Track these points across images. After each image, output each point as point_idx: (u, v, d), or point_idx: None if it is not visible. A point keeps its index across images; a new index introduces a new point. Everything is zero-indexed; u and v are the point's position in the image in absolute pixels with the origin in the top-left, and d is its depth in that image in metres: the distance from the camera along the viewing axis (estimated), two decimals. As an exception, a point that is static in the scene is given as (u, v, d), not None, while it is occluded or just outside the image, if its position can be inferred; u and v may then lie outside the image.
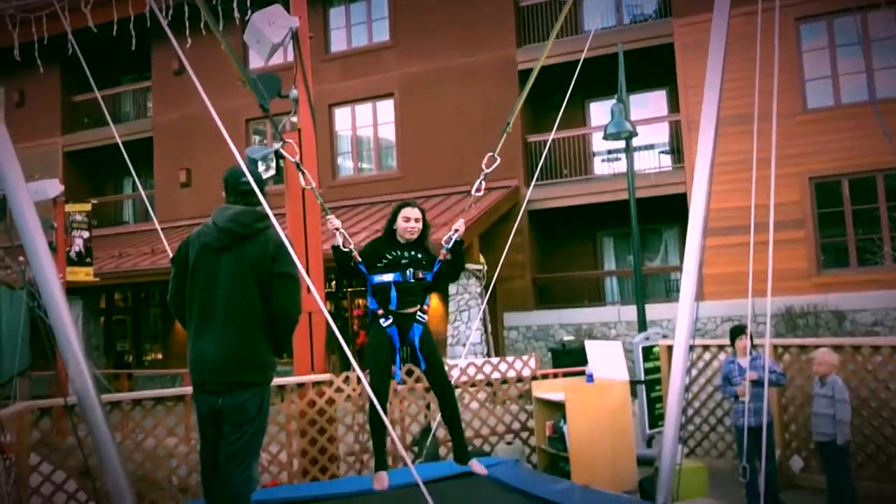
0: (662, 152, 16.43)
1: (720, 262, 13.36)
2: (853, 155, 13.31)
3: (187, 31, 8.60)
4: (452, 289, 14.56)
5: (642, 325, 10.52)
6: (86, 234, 11.95)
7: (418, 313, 4.29)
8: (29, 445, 5.45)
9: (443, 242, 4.41)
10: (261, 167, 6.20)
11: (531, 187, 11.35)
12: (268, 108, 6.47)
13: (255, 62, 17.63)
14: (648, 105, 16.62)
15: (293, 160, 4.36)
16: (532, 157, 16.28)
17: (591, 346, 7.69)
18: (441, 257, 4.38)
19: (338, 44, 18.35)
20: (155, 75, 19.88)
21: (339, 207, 17.24)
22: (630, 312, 13.64)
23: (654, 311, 13.43)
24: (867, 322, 13.09)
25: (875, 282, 12.94)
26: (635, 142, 12.10)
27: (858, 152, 13.16)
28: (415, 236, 4.30)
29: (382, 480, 4.06)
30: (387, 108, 17.71)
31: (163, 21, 3.51)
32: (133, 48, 11.18)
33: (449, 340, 14.16)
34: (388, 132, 17.85)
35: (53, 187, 10.85)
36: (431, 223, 15.64)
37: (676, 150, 15.73)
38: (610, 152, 16.61)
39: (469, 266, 14.33)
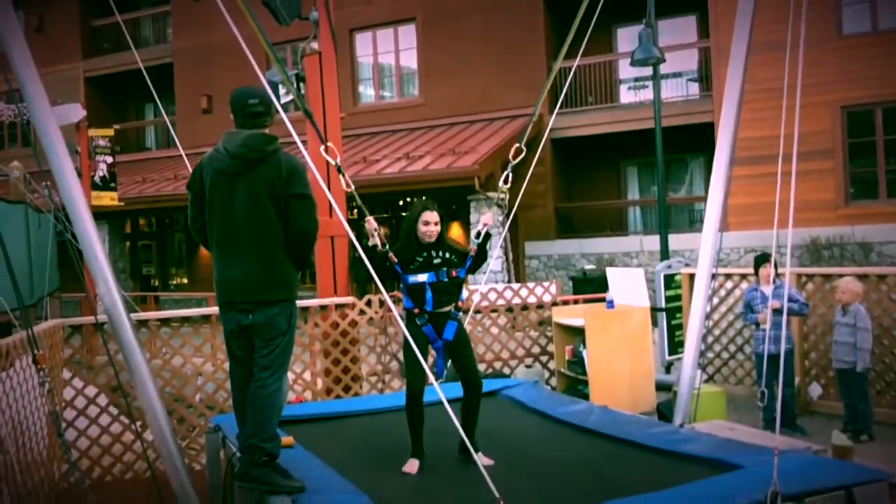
0: (690, 80, 16.04)
1: (746, 191, 13.17)
2: (888, 83, 12.91)
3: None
4: (474, 218, 14.57)
5: (665, 254, 10.47)
6: (109, 160, 12.02)
7: (453, 311, 4.31)
8: (61, 360, 5.62)
9: (472, 237, 4.46)
10: (282, 90, 6.13)
11: (554, 115, 11.16)
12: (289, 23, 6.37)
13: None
14: (678, 31, 16.14)
15: (334, 162, 4.26)
16: (557, 83, 15.97)
17: (612, 273, 7.70)
18: (471, 252, 4.41)
19: (358, -35, 17.91)
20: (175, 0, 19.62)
21: (360, 135, 17.14)
22: (653, 242, 13.57)
23: (677, 241, 13.35)
24: (894, 254, 12.95)
25: (903, 213, 12.74)
26: (663, 69, 11.80)
27: (890, 80, 12.76)
28: (434, 239, 4.28)
29: (413, 466, 4.11)
30: (409, 33, 17.37)
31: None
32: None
33: (470, 268, 14.24)
34: (410, 59, 17.55)
35: (76, 112, 10.88)
36: (456, 150, 15.53)
37: (705, 77, 15.35)
38: (636, 80, 16.25)
39: (491, 195, 14.28)
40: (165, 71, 19.51)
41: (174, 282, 20.51)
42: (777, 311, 6.02)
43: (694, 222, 15.89)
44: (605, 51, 16.39)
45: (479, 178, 13.81)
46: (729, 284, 7.86)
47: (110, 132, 12.31)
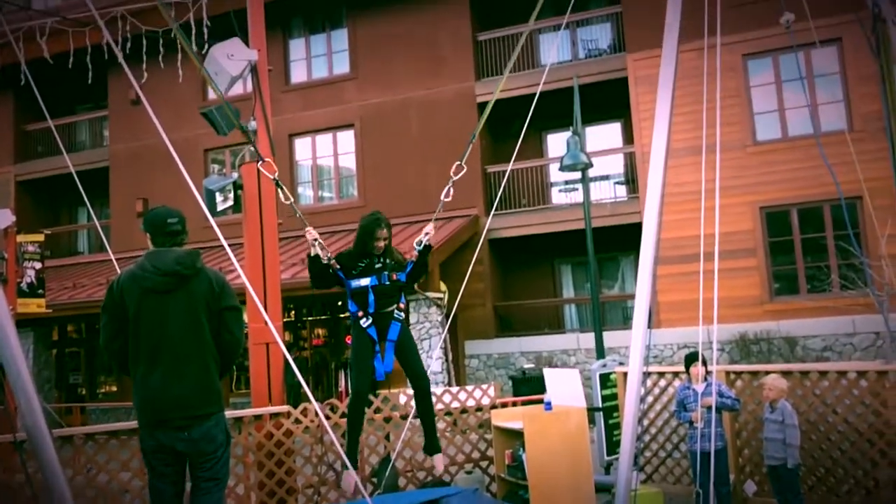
0: (618, 183, 16.77)
1: (676, 289, 13.64)
2: (801, 185, 13.76)
3: (144, 63, 8.58)
4: (413, 317, 14.59)
5: (600, 352, 10.65)
6: (38, 265, 11.73)
7: (395, 311, 4.60)
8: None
9: (414, 244, 4.77)
10: (218, 198, 6.19)
11: (490, 216, 11.49)
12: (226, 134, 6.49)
13: (213, 95, 17.59)
14: (604, 136, 17.00)
15: (272, 177, 4.57)
16: (491, 186, 16.48)
17: (549, 374, 7.75)
18: (411, 258, 4.76)
19: (298, 75, 18.44)
20: (112, 104, 19.70)
21: (299, 237, 17.20)
22: (589, 340, 13.80)
23: (612, 338, 13.63)
24: (817, 348, 13.44)
25: (824, 308, 13.30)
26: (591, 172, 12.37)
27: (806, 183, 13.60)
28: (382, 245, 4.65)
29: (351, 479, 4.32)
30: (347, 138, 17.79)
31: (119, 55, 3.54)
32: (89, 81, 11.08)
33: (409, 370, 14.13)
34: (349, 161, 17.91)
35: (4, 217, 10.66)
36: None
37: (631, 180, 16.07)
38: (567, 182, 16.90)
39: (430, 294, 14.38)
40: (102, 174, 19.39)
41: (102, 390, 19.70)
42: (710, 409, 6.15)
43: (627, 319, 16.24)
44: (537, 155, 17.07)
45: (417, 278, 13.91)
46: (662, 382, 8.01)
47: (40, 237, 12.07)
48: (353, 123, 17.53)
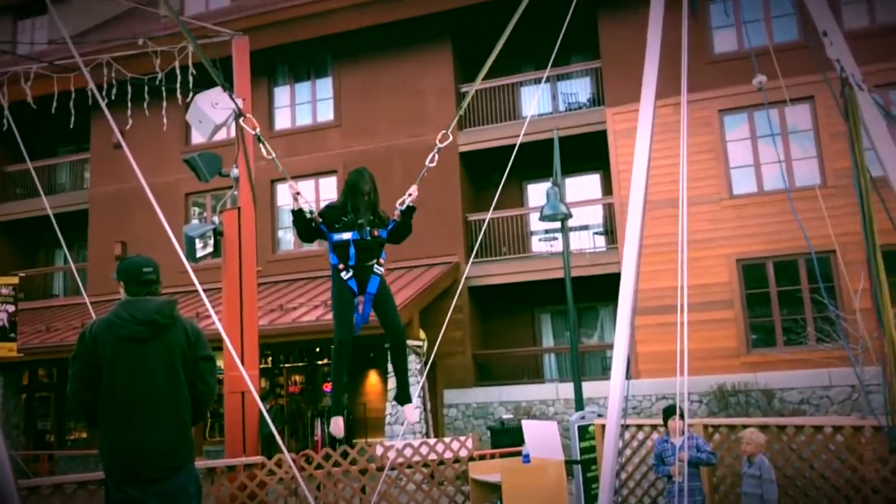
0: (597, 233, 16.92)
1: (654, 339, 13.68)
2: (777, 239, 13.95)
3: (129, 108, 8.60)
4: (391, 366, 14.48)
5: (579, 403, 10.62)
6: (11, 308, 11.56)
7: (375, 266, 4.79)
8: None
9: (397, 205, 4.97)
10: (198, 244, 6.18)
11: (469, 264, 11.53)
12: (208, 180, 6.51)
13: (198, 139, 17.68)
14: (583, 187, 17.22)
15: (253, 133, 4.79)
16: (472, 234, 16.57)
17: (527, 426, 7.71)
18: (394, 217, 4.93)
19: (282, 122, 18.57)
20: (94, 147, 19.68)
21: (278, 282, 17.13)
22: (568, 389, 13.75)
23: (591, 388, 13.61)
24: (794, 400, 13.48)
25: (801, 361, 13.38)
26: (571, 222, 12.49)
27: (781, 236, 13.80)
28: (367, 199, 4.84)
29: (339, 425, 4.62)
30: (330, 184, 17.86)
31: (103, 103, 3.56)
32: (72, 126, 11.09)
33: (387, 419, 13.97)
34: (330, 208, 17.94)
35: (-21, 259, 10.52)
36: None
37: (610, 231, 16.23)
38: (547, 231, 17.02)
39: (409, 342, 14.30)
40: (81, 217, 19.27)
41: (72, 437, 19.24)
42: (688, 463, 6.13)
43: (606, 369, 16.22)
44: (517, 204, 17.22)
45: (396, 326, 13.80)
46: (640, 435, 7.98)
47: (15, 280, 11.93)
48: (335, 170, 17.63)
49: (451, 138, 5.16)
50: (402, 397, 5.04)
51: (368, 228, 4.76)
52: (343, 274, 4.69)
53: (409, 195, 4.95)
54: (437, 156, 5.16)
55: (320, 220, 4.77)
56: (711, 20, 15.32)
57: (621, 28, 15.53)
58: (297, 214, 4.71)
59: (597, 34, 16.08)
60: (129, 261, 3.84)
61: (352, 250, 4.71)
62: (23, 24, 21.34)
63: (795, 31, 14.86)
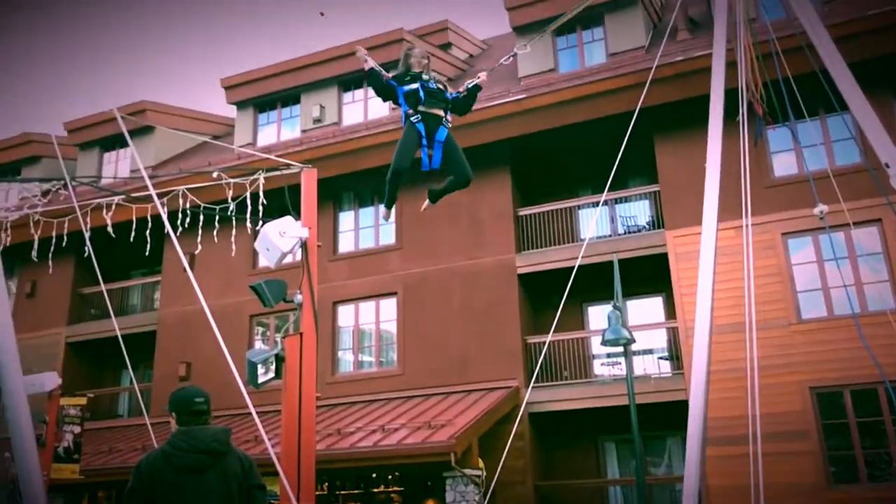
0: (661, 358, 16.47)
1: (726, 473, 12.92)
2: (852, 366, 13.25)
3: (199, 234, 9.00)
4: (450, 496, 14.02)
5: (647, 540, 10.00)
6: (77, 429, 11.74)
7: (444, 118, 5.39)
8: None
9: (466, 84, 5.68)
10: (260, 370, 6.25)
11: (530, 388, 11.29)
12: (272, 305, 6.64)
13: (264, 262, 18.23)
14: (646, 310, 16.93)
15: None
16: (532, 358, 16.33)
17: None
18: (461, 91, 5.61)
19: (345, 245, 19.07)
20: (165, 270, 20.45)
21: (337, 405, 17.05)
22: (635, 525, 13.00)
23: (659, 524, 12.85)
24: (885, 543, 12.43)
25: (887, 500, 12.42)
26: (634, 346, 12.23)
27: (857, 363, 13.13)
28: (423, 67, 5.50)
29: (387, 214, 5.93)
30: (390, 305, 18.04)
31: (172, 235, 3.73)
32: (147, 252, 11.63)
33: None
34: (391, 327, 18.06)
35: (51, 380, 10.83)
36: (432, 423, 15.44)
37: (675, 356, 15.77)
38: (609, 356, 16.67)
39: (467, 471, 13.89)
40: (150, 337, 19.81)
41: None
42: None
43: (675, 503, 15.35)
44: (578, 327, 17.00)
45: (455, 453, 13.48)
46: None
47: (83, 401, 12.17)
48: (396, 291, 17.85)
49: (528, 48, 6.21)
50: (435, 194, 6.02)
51: (433, 82, 5.43)
52: (413, 118, 5.30)
53: (479, 77, 5.64)
54: (512, 58, 6.16)
55: (390, 76, 5.38)
56: (770, 145, 15.35)
57: (679, 151, 15.71)
58: (371, 74, 5.34)
59: (654, 157, 16.28)
60: (182, 392, 3.95)
61: (422, 94, 5.30)
62: (109, 155, 22.86)
63: (857, 154, 14.79)
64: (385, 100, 5.54)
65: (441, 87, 5.50)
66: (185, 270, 18.98)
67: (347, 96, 19.98)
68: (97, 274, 8.02)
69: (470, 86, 5.62)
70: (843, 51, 6.81)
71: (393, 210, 20.41)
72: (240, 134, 20.88)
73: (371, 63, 5.37)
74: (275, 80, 20.47)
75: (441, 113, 5.39)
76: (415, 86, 5.35)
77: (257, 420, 3.80)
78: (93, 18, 68.87)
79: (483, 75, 5.66)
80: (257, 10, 68.85)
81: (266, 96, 20.71)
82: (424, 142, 5.36)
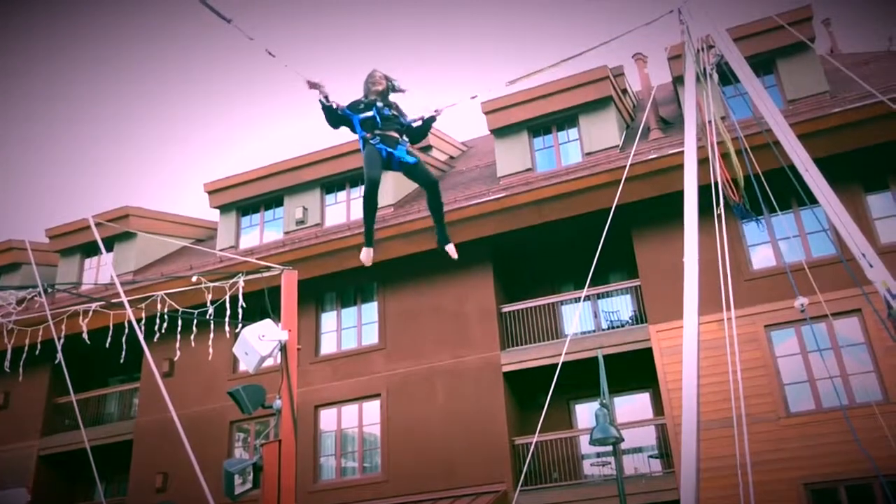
0: (651, 456, 16.11)
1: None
2: (846, 460, 12.99)
3: (178, 340, 8.86)
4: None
5: None
6: (44, 547, 11.15)
7: (401, 138, 5.65)
8: None
9: (422, 115, 5.91)
10: (237, 480, 6.02)
11: (518, 492, 10.94)
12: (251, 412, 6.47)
13: (243, 367, 17.94)
14: (633, 407, 16.68)
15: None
16: (519, 459, 15.92)
17: None
18: (415, 120, 5.85)
19: (327, 346, 18.82)
20: (144, 376, 19.96)
21: (318, 514, 16.40)
22: None
23: None
24: None
25: None
26: (623, 445, 11.97)
27: (850, 457, 12.89)
28: (380, 92, 5.69)
29: (368, 255, 5.77)
30: (373, 408, 17.66)
31: (144, 344, 3.65)
32: (122, 360, 11.40)
33: None
34: (375, 430, 17.61)
35: (19, 497, 10.38)
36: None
37: (666, 454, 15.43)
38: (598, 455, 16.29)
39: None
40: (127, 447, 19.16)
41: None
42: None
43: None
44: (565, 426, 16.68)
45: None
46: None
47: (51, 516, 11.61)
48: (379, 393, 17.52)
49: (477, 96, 6.37)
50: (443, 238, 5.89)
51: (388, 107, 5.63)
52: (372, 141, 5.49)
53: (437, 111, 5.86)
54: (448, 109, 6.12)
55: (344, 106, 5.59)
56: (746, 238, 15.58)
57: (657, 246, 15.89)
58: (324, 105, 5.52)
59: (633, 252, 16.44)
60: None
61: (377, 118, 5.53)
62: (90, 260, 22.75)
63: (832, 245, 15.03)
64: (334, 127, 5.76)
65: (395, 113, 5.76)
66: (165, 375, 18.51)
67: (330, 198, 20.24)
68: (74, 381, 7.82)
69: (426, 117, 5.92)
70: (810, 147, 7.02)
71: (374, 308, 19.97)
72: (222, 237, 20.95)
73: (322, 96, 5.62)
74: (257, 183, 20.74)
75: (397, 135, 5.69)
76: (370, 113, 5.61)
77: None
78: (81, 124, 70.27)
79: (442, 109, 5.95)
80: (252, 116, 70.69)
81: (249, 199, 20.92)
82: (385, 156, 5.66)
